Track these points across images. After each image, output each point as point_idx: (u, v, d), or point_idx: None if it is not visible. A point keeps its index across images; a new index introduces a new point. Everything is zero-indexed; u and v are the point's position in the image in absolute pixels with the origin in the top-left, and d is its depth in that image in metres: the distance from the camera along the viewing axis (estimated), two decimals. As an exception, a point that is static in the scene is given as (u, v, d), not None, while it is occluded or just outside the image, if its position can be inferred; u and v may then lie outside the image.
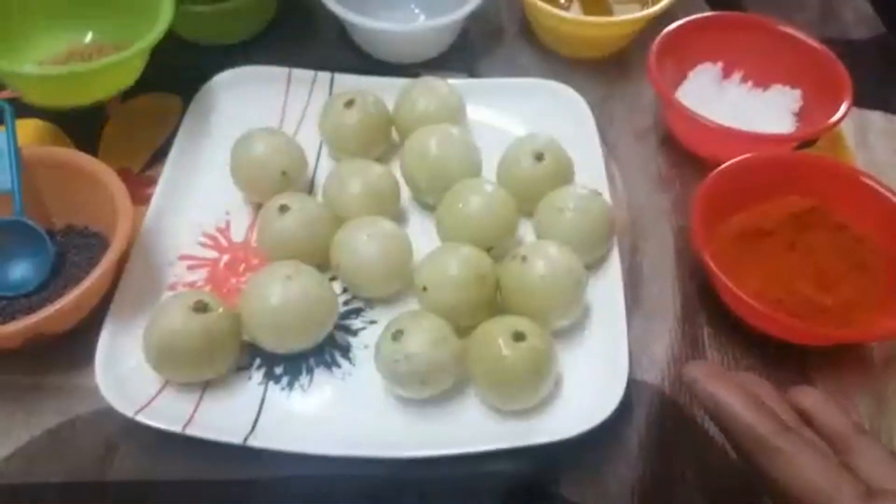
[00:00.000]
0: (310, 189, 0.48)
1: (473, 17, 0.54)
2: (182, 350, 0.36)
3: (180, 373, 0.37)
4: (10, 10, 0.50)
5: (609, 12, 0.57)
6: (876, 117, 0.54)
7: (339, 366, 0.40)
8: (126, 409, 0.36)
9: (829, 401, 0.32)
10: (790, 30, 0.52)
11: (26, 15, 0.51)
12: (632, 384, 0.38)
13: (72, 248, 0.43)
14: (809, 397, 0.32)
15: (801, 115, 0.50)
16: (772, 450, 0.28)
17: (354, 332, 0.41)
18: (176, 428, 0.35)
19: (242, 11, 0.55)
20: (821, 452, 0.28)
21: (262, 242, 0.43)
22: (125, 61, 0.46)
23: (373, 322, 0.42)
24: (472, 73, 0.56)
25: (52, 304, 0.37)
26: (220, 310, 0.38)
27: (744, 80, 0.52)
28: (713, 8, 0.60)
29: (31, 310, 0.39)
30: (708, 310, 0.43)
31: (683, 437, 0.38)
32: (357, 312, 0.42)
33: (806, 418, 0.31)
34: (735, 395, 0.30)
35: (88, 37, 0.53)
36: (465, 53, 0.57)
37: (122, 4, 0.51)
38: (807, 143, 0.49)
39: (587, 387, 0.38)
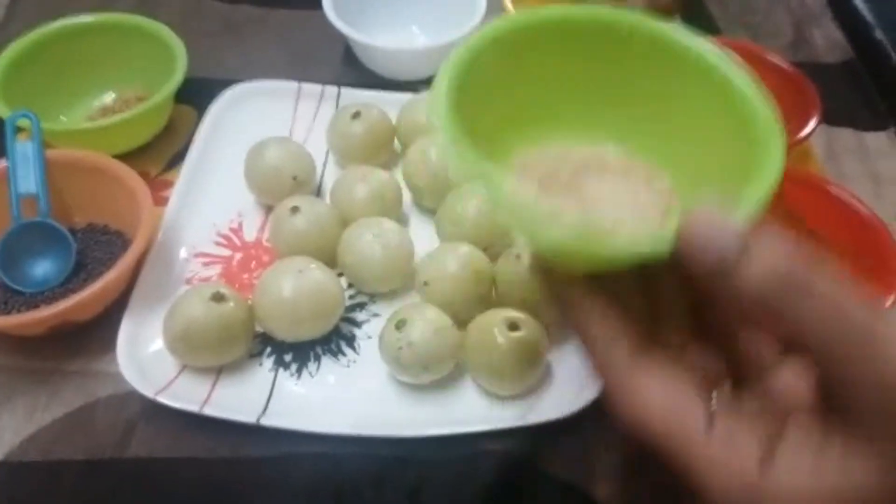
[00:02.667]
0: (317, 193, 0.51)
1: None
2: (200, 337, 0.39)
3: (198, 358, 0.40)
4: (50, 80, 0.54)
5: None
6: (846, 134, 0.58)
7: (344, 354, 0.43)
8: (147, 390, 0.38)
9: None
10: (766, 53, 0.56)
11: (62, 82, 0.55)
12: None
13: (93, 245, 0.46)
14: None
15: (774, 131, 0.54)
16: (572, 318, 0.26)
17: (359, 324, 0.44)
18: (194, 408, 0.38)
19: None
20: (611, 309, 0.26)
21: (275, 240, 0.46)
22: (157, 107, 0.51)
23: (376, 315, 0.44)
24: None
25: (77, 294, 0.40)
26: (236, 301, 0.40)
27: (721, 97, 0.56)
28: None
29: (55, 302, 0.41)
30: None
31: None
32: (361, 306, 0.45)
33: None
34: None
35: (111, 96, 0.56)
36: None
37: (140, 64, 0.55)
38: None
39: (574, 374, 0.41)
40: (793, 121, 0.52)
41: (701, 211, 0.22)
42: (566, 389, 0.40)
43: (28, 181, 0.45)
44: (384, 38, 0.59)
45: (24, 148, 0.45)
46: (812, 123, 0.50)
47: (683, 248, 0.22)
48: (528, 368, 0.40)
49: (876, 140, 0.58)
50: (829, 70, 0.63)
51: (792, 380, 0.25)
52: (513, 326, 0.39)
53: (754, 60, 0.54)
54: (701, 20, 0.66)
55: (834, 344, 0.21)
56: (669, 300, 0.28)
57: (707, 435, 0.23)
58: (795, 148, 0.53)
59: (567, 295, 0.26)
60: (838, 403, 0.23)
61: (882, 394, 0.21)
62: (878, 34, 0.64)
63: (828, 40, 0.66)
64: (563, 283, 0.26)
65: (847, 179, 0.54)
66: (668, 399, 0.24)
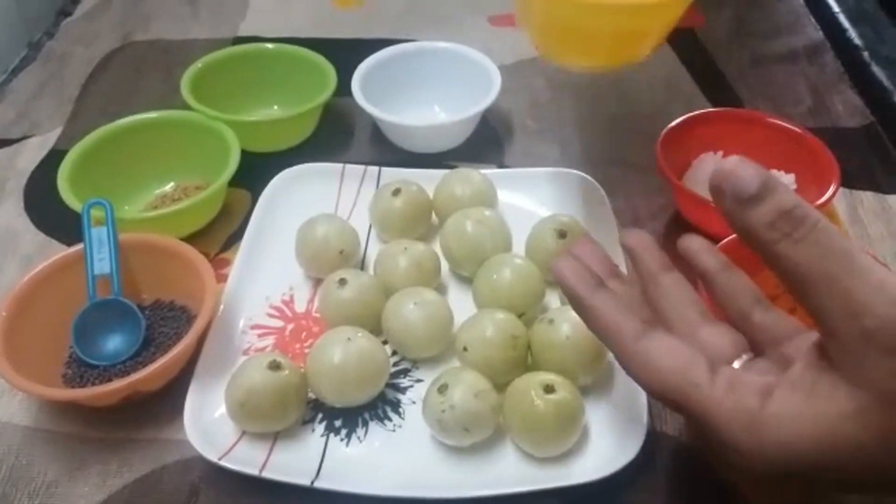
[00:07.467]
0: (362, 265, 0.54)
1: (490, 113, 0.64)
2: (259, 403, 0.42)
3: (256, 423, 0.43)
4: (114, 172, 0.59)
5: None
6: (866, 197, 0.59)
7: (390, 419, 0.45)
8: (211, 455, 0.41)
9: (649, 240, 0.37)
10: (784, 122, 0.58)
11: (126, 173, 0.59)
12: (653, 435, 0.43)
13: (160, 320, 0.50)
14: (634, 237, 0.37)
15: (795, 196, 0.56)
16: (584, 309, 0.32)
17: (403, 390, 0.47)
18: (253, 471, 0.41)
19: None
20: (617, 300, 0.32)
21: (323, 311, 0.49)
22: (213, 195, 0.55)
23: (419, 381, 0.47)
24: (501, 162, 0.63)
25: (148, 367, 0.43)
26: (290, 368, 0.44)
27: (742, 166, 0.58)
28: (714, 104, 0.68)
29: (126, 374, 0.45)
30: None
31: (701, 485, 0.43)
32: (405, 372, 0.48)
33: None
34: (564, 265, 0.33)
35: (171, 185, 0.61)
36: (492, 144, 0.65)
37: (199, 155, 0.60)
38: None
39: (611, 436, 0.43)
40: (813, 187, 0.54)
41: (730, 158, 0.27)
42: (604, 451, 0.42)
43: (103, 263, 0.49)
44: (410, 117, 0.65)
45: (98, 233, 0.50)
46: (831, 189, 0.52)
47: (716, 181, 0.27)
48: (566, 430, 0.42)
49: (898, 202, 0.60)
50: (850, 134, 0.65)
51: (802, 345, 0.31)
52: (549, 389, 0.42)
53: (774, 129, 0.58)
54: (722, 92, 0.70)
55: (822, 274, 0.26)
56: (677, 294, 0.35)
57: (711, 382, 0.29)
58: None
59: (584, 295, 0.32)
60: (825, 340, 0.27)
61: (858, 322, 0.25)
62: (897, 98, 0.67)
63: (847, 106, 0.68)
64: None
65: (871, 241, 0.55)
66: (673, 359, 0.30)
